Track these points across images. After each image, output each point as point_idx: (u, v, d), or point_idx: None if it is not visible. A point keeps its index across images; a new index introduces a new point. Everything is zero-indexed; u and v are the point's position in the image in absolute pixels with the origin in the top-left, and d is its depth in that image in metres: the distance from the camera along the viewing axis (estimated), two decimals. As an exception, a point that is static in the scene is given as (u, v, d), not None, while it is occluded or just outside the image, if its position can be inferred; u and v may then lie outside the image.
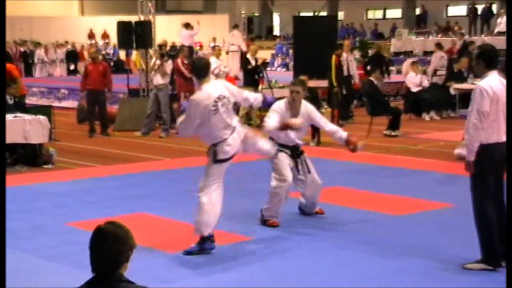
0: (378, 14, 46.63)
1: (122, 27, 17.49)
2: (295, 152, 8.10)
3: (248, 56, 17.77)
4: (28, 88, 20.36)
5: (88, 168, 11.73)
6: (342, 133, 8.04)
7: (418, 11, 40.89)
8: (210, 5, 43.85)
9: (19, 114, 11.82)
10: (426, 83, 18.56)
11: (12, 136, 11.25)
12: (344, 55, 16.88)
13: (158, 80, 15.45)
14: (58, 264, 6.64)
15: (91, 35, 39.28)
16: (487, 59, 6.32)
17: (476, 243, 6.33)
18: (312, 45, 18.48)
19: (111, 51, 35.76)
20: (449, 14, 42.14)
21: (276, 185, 7.86)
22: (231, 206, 7.58)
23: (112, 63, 31.26)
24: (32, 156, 11.81)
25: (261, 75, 17.12)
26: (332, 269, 6.46)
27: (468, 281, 6.07)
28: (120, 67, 31.21)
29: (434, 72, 20.15)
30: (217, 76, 15.83)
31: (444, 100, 18.33)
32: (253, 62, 16.96)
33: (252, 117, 16.27)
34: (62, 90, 22.73)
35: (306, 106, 8.08)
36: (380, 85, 17.01)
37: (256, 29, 46.47)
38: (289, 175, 7.89)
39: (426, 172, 11.07)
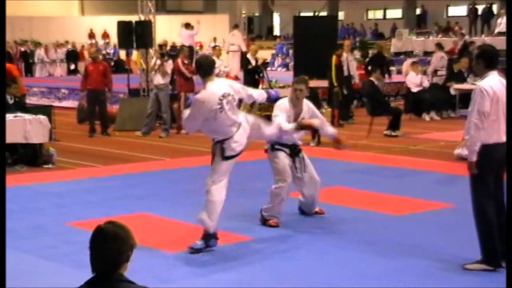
0: (378, 14, 46.61)
1: (123, 27, 17.49)
2: (293, 151, 8.11)
3: (249, 56, 17.78)
4: (29, 88, 20.35)
5: (88, 168, 11.72)
6: (332, 130, 8.40)
7: (418, 11, 40.93)
8: (211, 5, 43.86)
9: (19, 114, 11.81)
10: (426, 83, 18.54)
11: (13, 136, 11.24)
12: (344, 55, 16.86)
13: (158, 80, 15.44)
14: (58, 264, 6.64)
15: (91, 35, 39.26)
16: (487, 59, 6.32)
17: (476, 243, 6.33)
18: (313, 45, 18.48)
19: (112, 51, 35.72)
20: (450, 14, 42.13)
21: (276, 185, 7.88)
22: (231, 206, 7.57)
23: (112, 63, 31.25)
24: (32, 156, 11.80)
25: (261, 75, 17.12)
26: (332, 269, 6.46)
27: (468, 281, 6.07)
28: (120, 67, 31.17)
29: (435, 72, 20.16)
30: (217, 76, 15.78)
31: (444, 100, 18.31)
32: (253, 62, 16.96)
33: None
34: (62, 90, 22.70)
35: (308, 104, 8.12)
36: (381, 85, 16.98)
37: (256, 29, 46.45)
38: (289, 175, 7.91)
39: (426, 172, 11.06)
